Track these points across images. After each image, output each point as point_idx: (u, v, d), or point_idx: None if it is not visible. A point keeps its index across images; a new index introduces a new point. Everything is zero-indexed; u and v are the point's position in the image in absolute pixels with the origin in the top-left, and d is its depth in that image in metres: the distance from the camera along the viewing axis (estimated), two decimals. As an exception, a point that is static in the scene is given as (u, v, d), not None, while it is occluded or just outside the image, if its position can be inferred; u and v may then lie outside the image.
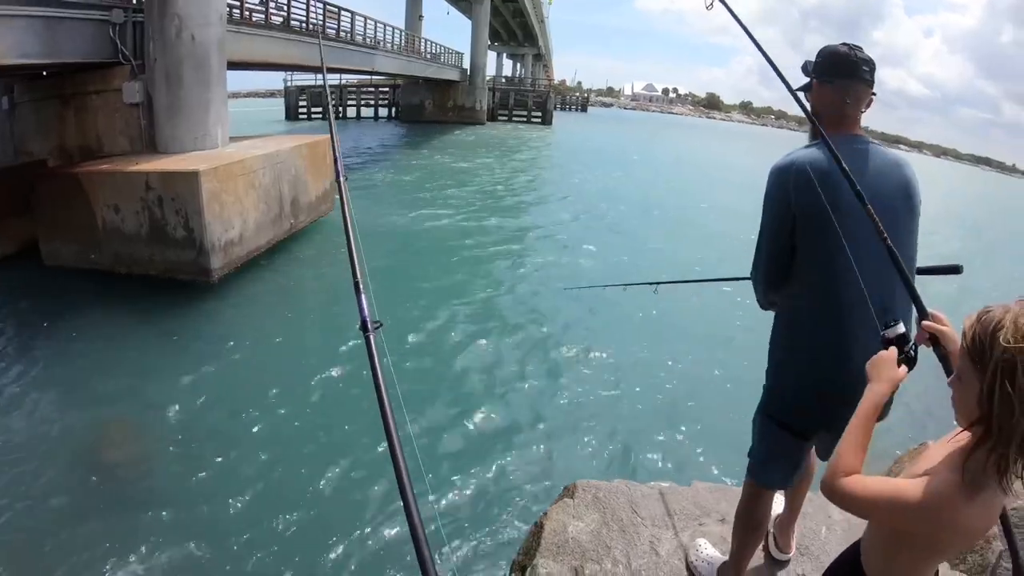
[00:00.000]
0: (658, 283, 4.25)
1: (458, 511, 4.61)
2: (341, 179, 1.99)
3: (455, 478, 4.97)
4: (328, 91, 2.93)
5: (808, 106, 1.96)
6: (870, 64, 1.86)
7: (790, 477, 2.12)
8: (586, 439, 5.70)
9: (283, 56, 15.71)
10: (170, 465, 4.96)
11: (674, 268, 11.06)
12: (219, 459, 5.02)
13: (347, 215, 1.83)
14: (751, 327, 8.16)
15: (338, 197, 1.91)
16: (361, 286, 1.56)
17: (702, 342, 7.92)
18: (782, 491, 2.39)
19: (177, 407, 5.68)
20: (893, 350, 1.35)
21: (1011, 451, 0.98)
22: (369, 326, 1.41)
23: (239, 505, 4.54)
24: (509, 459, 5.29)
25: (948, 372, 1.32)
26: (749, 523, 2.19)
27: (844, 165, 1.69)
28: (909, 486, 1.09)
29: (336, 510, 4.58)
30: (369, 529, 4.37)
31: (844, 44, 1.87)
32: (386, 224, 12.98)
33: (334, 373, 6.49)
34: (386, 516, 4.47)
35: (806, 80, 1.97)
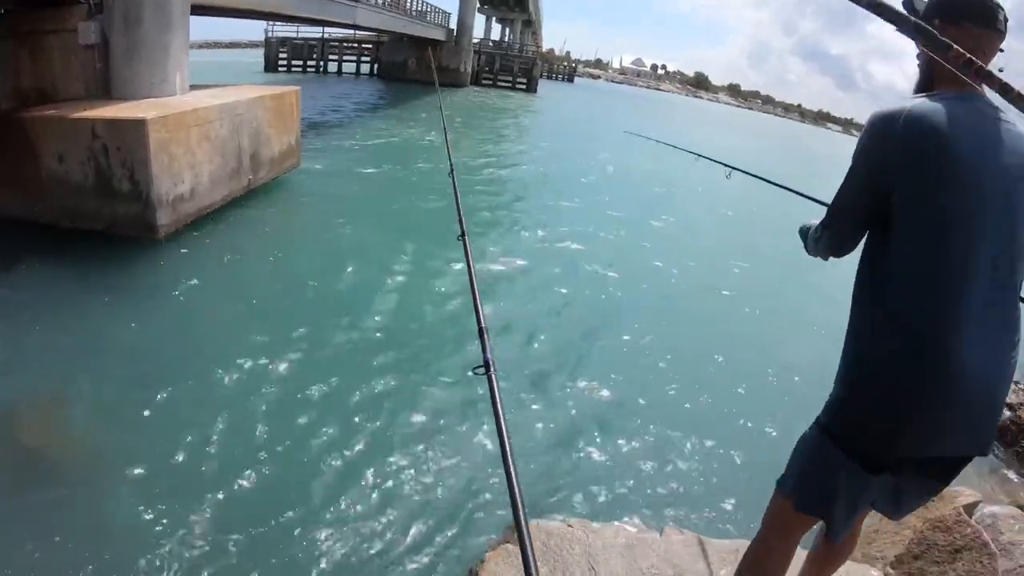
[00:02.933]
0: (733, 168, 4.11)
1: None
2: (465, 238, 2.25)
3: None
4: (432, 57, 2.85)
5: (921, 51, 1.60)
6: (1005, 14, 1.53)
7: (834, 510, 1.65)
8: (539, 461, 4.86)
9: (253, 3, 15.10)
10: (106, 453, 4.46)
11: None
12: (164, 445, 4.54)
13: (471, 268, 1.98)
14: (764, 332, 7.99)
15: (463, 253, 2.13)
16: (485, 332, 1.63)
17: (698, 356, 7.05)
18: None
19: (112, 380, 5.24)
20: None
21: None
22: (491, 366, 1.47)
23: (191, 506, 4.02)
24: (443, 484, 4.50)
25: None
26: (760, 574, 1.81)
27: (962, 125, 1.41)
28: None
29: (322, 505, 4.18)
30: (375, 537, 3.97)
31: None
32: (367, 187, 12.70)
33: (292, 341, 6.17)
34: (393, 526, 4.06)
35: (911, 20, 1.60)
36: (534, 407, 5.56)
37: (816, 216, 1.91)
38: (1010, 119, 1.48)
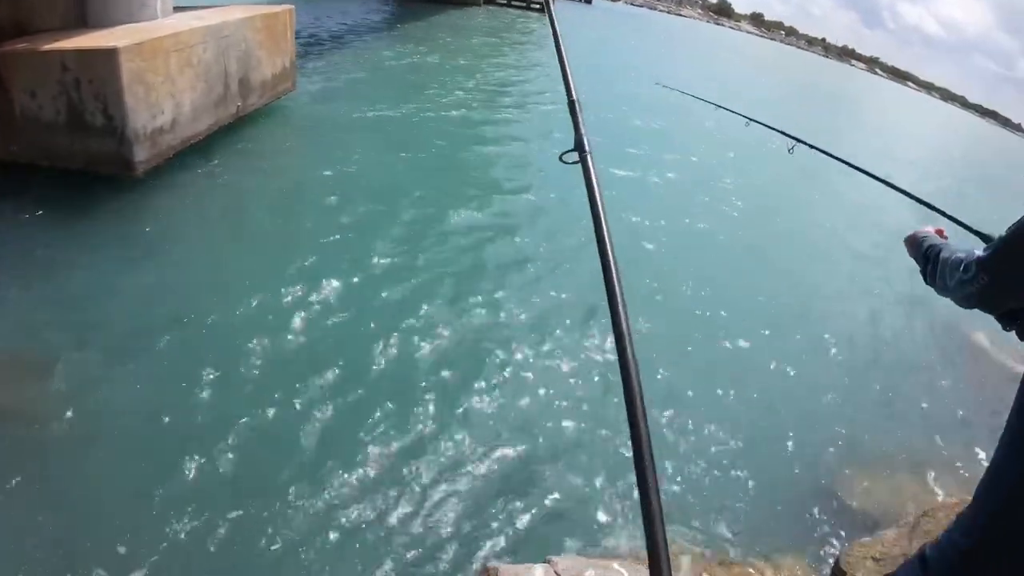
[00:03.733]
0: (798, 140, 3.46)
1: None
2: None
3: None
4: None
5: None
6: None
7: None
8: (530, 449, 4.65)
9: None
10: (84, 405, 4.27)
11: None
12: (152, 397, 4.40)
13: (556, 32, 1.74)
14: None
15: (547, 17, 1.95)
16: (578, 104, 1.38)
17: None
18: None
19: (86, 328, 5.01)
20: None
21: None
22: (586, 146, 1.25)
23: (166, 470, 3.90)
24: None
25: None
26: None
27: None
28: None
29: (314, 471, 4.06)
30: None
31: None
32: (369, 113, 12.13)
33: (288, 283, 5.91)
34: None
35: None
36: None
37: (912, 212, 1.73)
38: None
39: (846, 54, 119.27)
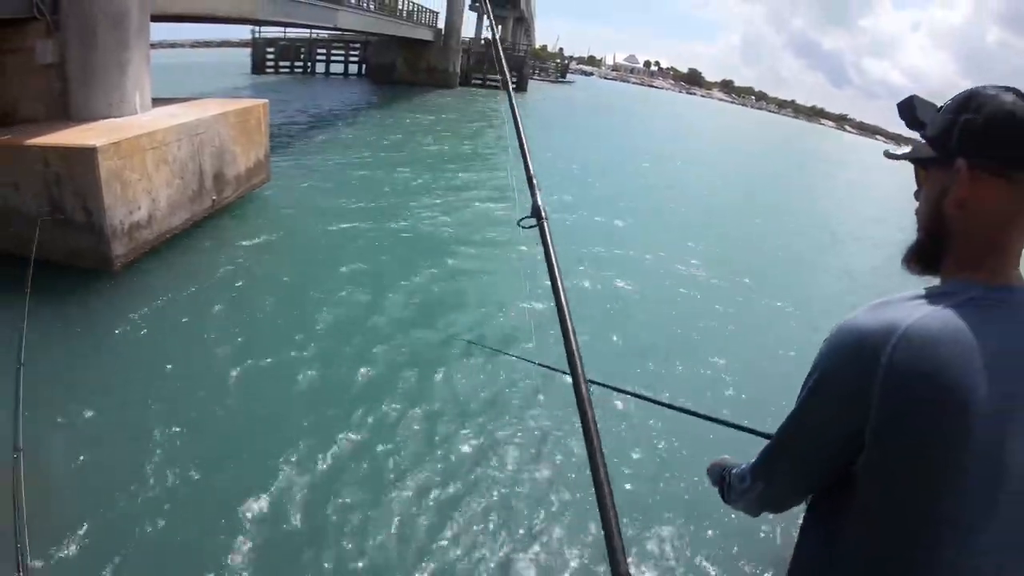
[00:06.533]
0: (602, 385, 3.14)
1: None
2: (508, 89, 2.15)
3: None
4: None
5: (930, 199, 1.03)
6: None
7: None
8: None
9: (209, 8, 14.98)
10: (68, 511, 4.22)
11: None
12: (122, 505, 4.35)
13: (515, 112, 1.95)
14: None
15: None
16: (534, 178, 1.57)
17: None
18: None
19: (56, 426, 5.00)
20: None
21: None
22: (543, 213, 1.42)
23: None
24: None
25: None
26: None
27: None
28: None
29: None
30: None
31: (1017, 95, 0.95)
32: (343, 200, 12.46)
33: (264, 380, 5.95)
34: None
35: (925, 149, 1.04)
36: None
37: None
38: None
39: (815, 114, 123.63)
